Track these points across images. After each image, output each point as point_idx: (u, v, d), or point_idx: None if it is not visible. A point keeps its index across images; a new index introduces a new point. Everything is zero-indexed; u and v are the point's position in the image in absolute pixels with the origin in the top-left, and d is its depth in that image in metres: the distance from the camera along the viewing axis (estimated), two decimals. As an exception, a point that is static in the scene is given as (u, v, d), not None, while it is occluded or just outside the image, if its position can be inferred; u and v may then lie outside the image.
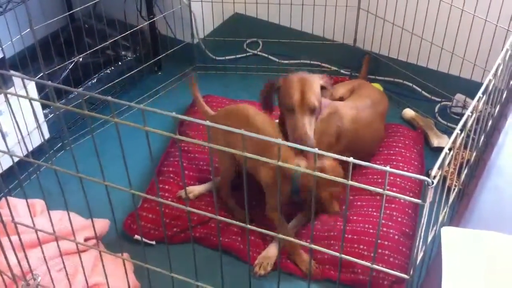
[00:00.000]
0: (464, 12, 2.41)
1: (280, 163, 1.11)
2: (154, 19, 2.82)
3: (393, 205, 2.14)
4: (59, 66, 2.48)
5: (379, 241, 2.00)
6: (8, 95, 1.30)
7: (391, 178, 2.24)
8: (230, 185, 2.15)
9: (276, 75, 2.97)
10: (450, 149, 1.19)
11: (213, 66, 3.04)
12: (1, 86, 1.24)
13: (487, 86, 1.43)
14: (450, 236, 1.17)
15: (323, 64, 3.02)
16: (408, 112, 2.69)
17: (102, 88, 2.65)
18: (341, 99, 2.45)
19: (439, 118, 2.68)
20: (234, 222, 1.28)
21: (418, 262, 1.25)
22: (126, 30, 2.67)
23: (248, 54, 3.16)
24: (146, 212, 2.15)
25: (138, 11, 2.87)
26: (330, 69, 3.00)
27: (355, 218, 2.11)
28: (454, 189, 1.58)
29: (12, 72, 1.92)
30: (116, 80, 2.72)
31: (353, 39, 2.89)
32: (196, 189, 2.24)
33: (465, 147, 1.58)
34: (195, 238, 2.08)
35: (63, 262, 1.57)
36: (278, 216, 1.90)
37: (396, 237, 2.02)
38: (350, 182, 1.09)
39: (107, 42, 2.60)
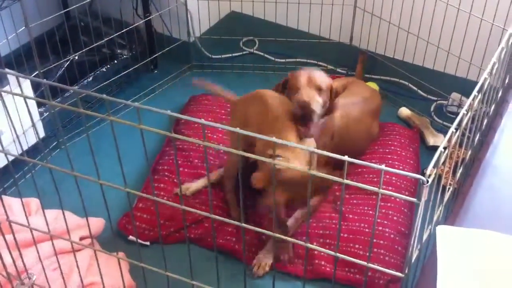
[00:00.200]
0: (460, 11, 2.41)
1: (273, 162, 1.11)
2: (150, 17, 2.82)
3: (389, 204, 2.14)
4: (54, 65, 2.47)
5: (375, 240, 2.00)
6: (3, 94, 1.30)
7: (387, 177, 2.25)
8: (234, 180, 2.15)
9: (272, 74, 3.00)
10: (445, 148, 1.19)
11: (209, 64, 3.04)
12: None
13: (482, 84, 1.43)
14: (445, 234, 1.17)
15: (320, 63, 3.02)
16: (404, 111, 2.69)
17: (98, 87, 2.65)
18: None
19: (435, 117, 2.68)
20: (229, 221, 1.27)
21: (413, 260, 1.25)
22: (122, 28, 2.67)
23: (244, 52, 3.16)
24: (140, 212, 2.14)
25: (134, 9, 2.86)
26: (327, 68, 3.00)
27: (350, 216, 2.12)
28: (449, 188, 1.58)
29: (7, 70, 1.92)
30: (112, 79, 2.71)
31: (350, 38, 2.90)
32: (192, 186, 2.24)
33: (460, 146, 1.58)
34: (190, 239, 2.08)
35: (58, 261, 1.57)
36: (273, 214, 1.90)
37: (392, 236, 2.02)
38: (346, 181, 1.09)
39: (103, 40, 2.59)
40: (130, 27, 2.70)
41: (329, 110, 2.08)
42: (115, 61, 2.78)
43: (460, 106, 2.62)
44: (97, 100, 2.66)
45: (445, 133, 2.54)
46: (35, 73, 2.30)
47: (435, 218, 1.38)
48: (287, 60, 3.06)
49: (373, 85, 2.79)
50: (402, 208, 2.14)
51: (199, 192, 2.24)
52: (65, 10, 2.61)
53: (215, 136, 2.50)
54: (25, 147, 2.14)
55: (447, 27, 2.49)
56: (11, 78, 2.14)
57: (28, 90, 2.26)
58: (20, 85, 1.24)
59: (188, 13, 2.89)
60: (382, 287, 1.90)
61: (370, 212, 2.12)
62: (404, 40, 2.67)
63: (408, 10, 2.59)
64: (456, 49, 2.50)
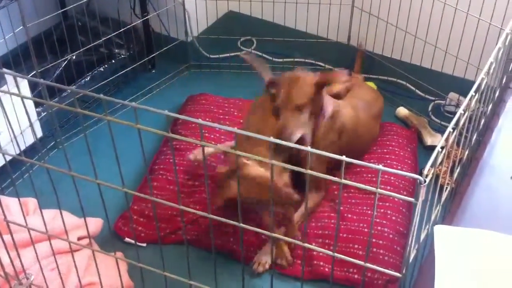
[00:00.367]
0: (457, 10, 2.42)
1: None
2: (148, 16, 2.82)
3: (387, 204, 2.14)
4: (52, 64, 2.47)
5: (373, 240, 2.00)
6: (0, 93, 1.29)
7: (385, 176, 2.25)
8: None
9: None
10: (442, 148, 1.19)
11: (207, 64, 3.03)
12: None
13: (480, 84, 1.43)
14: (442, 234, 1.17)
15: (317, 63, 3.02)
16: (402, 111, 2.70)
17: (96, 86, 2.64)
18: (337, 95, 2.46)
19: (432, 117, 2.68)
20: (227, 220, 1.27)
21: (411, 260, 1.25)
22: (119, 28, 2.66)
23: (242, 52, 3.15)
24: (135, 214, 2.14)
25: (131, 9, 2.86)
26: (324, 68, 3.00)
27: (349, 216, 2.12)
28: (446, 187, 1.59)
29: (4, 70, 1.91)
30: (110, 78, 2.71)
31: (347, 37, 2.90)
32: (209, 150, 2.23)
33: (458, 146, 1.58)
34: (188, 240, 2.07)
35: (56, 262, 1.57)
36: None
37: (391, 236, 2.02)
38: (343, 181, 1.09)
39: (101, 40, 2.59)
40: (128, 26, 2.69)
41: (335, 96, 2.11)
42: (113, 61, 2.77)
43: (457, 105, 2.62)
44: (94, 100, 2.66)
45: (443, 133, 2.54)
46: (32, 73, 2.30)
47: (432, 217, 1.38)
48: (285, 59, 3.06)
49: (371, 85, 2.79)
50: (401, 208, 2.14)
51: (194, 191, 2.24)
52: (63, 10, 2.60)
53: (212, 136, 2.50)
54: (22, 147, 2.14)
55: (445, 27, 2.49)
56: (9, 78, 2.14)
57: (25, 90, 2.25)
58: (17, 85, 1.24)
59: (186, 12, 2.89)
60: (380, 287, 1.90)
61: (369, 212, 2.12)
62: (402, 40, 2.67)
63: (406, 10, 2.59)
64: (454, 48, 2.50)
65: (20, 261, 1.53)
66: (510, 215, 1.44)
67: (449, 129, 1.25)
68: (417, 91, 2.82)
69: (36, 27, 2.29)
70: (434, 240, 1.16)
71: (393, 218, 2.09)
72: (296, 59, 3.05)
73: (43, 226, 1.43)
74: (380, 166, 1.04)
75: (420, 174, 1.07)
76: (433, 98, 2.76)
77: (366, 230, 2.04)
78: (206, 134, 2.49)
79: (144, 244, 2.08)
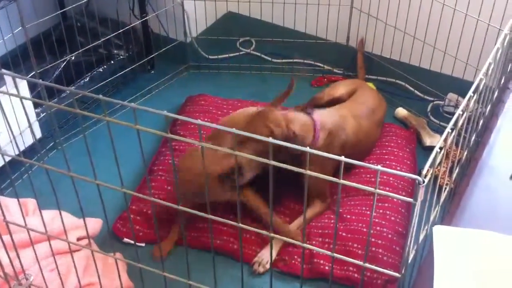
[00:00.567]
0: (456, 11, 2.42)
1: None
2: (147, 17, 2.82)
3: (386, 204, 2.14)
4: (51, 65, 2.47)
5: (373, 240, 2.00)
6: (0, 94, 1.30)
7: (384, 177, 2.25)
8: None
9: (269, 74, 3.00)
10: (441, 148, 1.20)
11: (206, 65, 3.04)
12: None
13: (478, 85, 1.43)
14: (441, 235, 1.18)
15: (316, 63, 3.02)
16: (401, 112, 2.70)
17: (95, 87, 2.64)
18: (339, 99, 2.46)
19: (431, 117, 2.69)
20: (226, 221, 1.28)
21: (410, 261, 1.25)
22: (118, 28, 2.66)
23: (241, 53, 3.16)
24: (133, 214, 2.14)
25: (130, 10, 2.86)
26: (323, 68, 3.00)
27: (348, 217, 2.12)
28: (445, 188, 1.59)
29: (3, 70, 1.91)
30: (109, 79, 2.71)
31: (346, 38, 2.90)
32: None
33: (457, 146, 1.58)
34: (185, 240, 2.07)
35: (56, 262, 1.57)
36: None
37: (390, 236, 2.03)
38: (342, 181, 1.10)
39: (100, 41, 2.59)
40: (127, 27, 2.69)
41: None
42: (112, 62, 2.77)
43: (456, 106, 2.62)
44: (93, 101, 2.66)
45: (441, 134, 2.54)
46: (31, 74, 2.30)
47: (431, 218, 1.38)
48: (284, 60, 3.06)
49: (371, 86, 2.79)
50: (400, 209, 2.14)
51: None
52: (62, 11, 2.60)
53: (212, 137, 2.50)
54: (21, 148, 2.14)
55: (444, 28, 2.49)
56: (8, 79, 2.14)
57: (24, 90, 2.25)
58: (16, 86, 1.24)
59: (185, 13, 2.89)
60: (380, 287, 1.91)
61: (368, 212, 2.12)
62: (401, 41, 2.67)
63: (405, 11, 2.60)
64: (453, 49, 2.50)
65: (20, 261, 1.53)
66: (509, 216, 1.45)
67: (448, 129, 1.26)
68: (416, 91, 2.82)
69: (35, 28, 2.29)
70: (433, 241, 1.16)
71: (392, 218, 2.09)
72: (295, 60, 3.05)
73: (42, 227, 1.43)
74: (379, 167, 1.05)
75: (419, 174, 1.08)
76: (432, 99, 2.76)
77: (365, 230, 2.05)
78: (205, 135, 2.49)
79: (143, 244, 2.08)
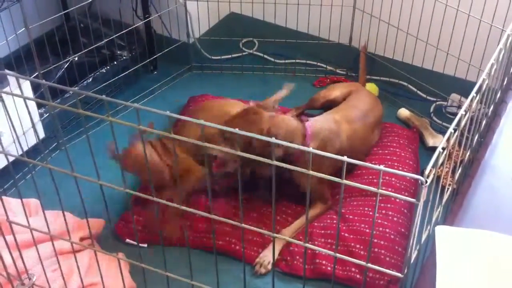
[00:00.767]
0: (459, 12, 2.42)
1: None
2: (150, 18, 2.82)
3: (389, 205, 2.14)
4: (54, 66, 2.48)
5: (375, 240, 2.00)
6: (3, 95, 1.30)
7: (386, 178, 2.25)
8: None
9: (272, 75, 3.00)
10: (444, 148, 1.20)
11: (209, 65, 3.04)
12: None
13: (481, 85, 1.43)
14: (444, 235, 1.17)
15: (319, 64, 3.02)
16: (403, 112, 2.70)
17: (98, 88, 2.65)
18: (334, 101, 2.46)
19: (434, 118, 2.68)
20: (228, 221, 1.28)
21: (412, 261, 1.25)
22: (121, 29, 2.67)
23: (244, 53, 3.16)
24: (136, 214, 2.14)
25: (133, 11, 2.86)
26: (326, 69, 3.00)
27: (351, 217, 2.12)
28: (448, 188, 1.59)
29: (6, 71, 1.92)
30: (112, 80, 2.71)
31: (349, 39, 2.90)
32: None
33: (460, 146, 1.58)
34: (185, 243, 2.07)
35: (58, 262, 1.57)
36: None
37: (392, 236, 2.03)
38: (345, 181, 1.10)
39: (103, 42, 2.59)
40: (130, 28, 2.70)
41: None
42: (115, 62, 2.78)
43: (459, 107, 2.62)
44: (96, 101, 2.66)
45: (444, 134, 2.54)
46: (34, 74, 2.30)
47: (434, 218, 1.38)
48: (286, 61, 3.06)
49: (373, 86, 2.79)
50: (402, 209, 2.14)
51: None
52: (65, 12, 2.61)
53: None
54: (25, 148, 2.14)
55: (446, 28, 2.49)
56: (11, 79, 2.15)
57: (28, 91, 2.26)
58: (20, 86, 1.24)
59: (188, 14, 2.89)
60: (382, 287, 1.91)
61: (370, 213, 2.12)
62: (403, 41, 2.67)
63: (407, 11, 2.60)
64: (455, 50, 2.50)
65: (23, 261, 1.53)
66: (511, 216, 1.44)
67: (451, 129, 1.26)
68: (418, 92, 2.82)
69: (38, 29, 2.30)
70: (436, 241, 1.16)
71: (395, 219, 2.09)
72: (297, 61, 3.05)
73: (45, 227, 1.44)
74: (382, 167, 1.05)
75: (422, 175, 1.08)
76: (434, 99, 2.76)
77: (367, 230, 2.05)
78: (208, 135, 2.49)
79: (145, 245, 2.08)
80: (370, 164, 1.09)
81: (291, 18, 2.93)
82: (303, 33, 2.98)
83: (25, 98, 1.23)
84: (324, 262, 1.98)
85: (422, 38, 2.60)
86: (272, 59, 3.10)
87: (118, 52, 2.80)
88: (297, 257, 2.01)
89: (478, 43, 2.41)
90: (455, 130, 1.28)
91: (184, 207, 1.26)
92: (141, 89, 2.86)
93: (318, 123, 2.15)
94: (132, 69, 2.78)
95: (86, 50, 2.54)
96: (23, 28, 2.12)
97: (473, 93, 1.40)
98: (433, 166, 1.14)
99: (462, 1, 2.41)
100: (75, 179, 1.29)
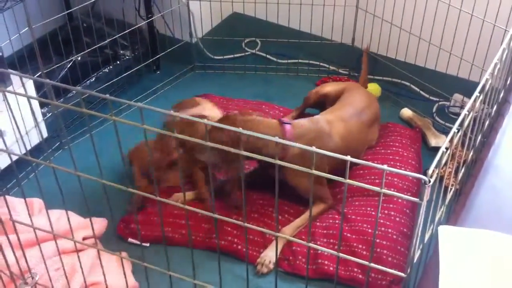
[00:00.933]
0: (461, 11, 2.41)
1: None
2: (153, 18, 2.82)
3: (391, 205, 2.14)
4: (57, 65, 2.48)
5: (377, 240, 2.00)
6: (7, 94, 1.30)
7: (389, 178, 2.25)
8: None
9: (274, 75, 3.00)
10: (447, 148, 1.20)
11: (211, 65, 3.04)
12: (-1, 84, 1.25)
13: (484, 85, 1.43)
14: (447, 235, 1.18)
15: (322, 64, 3.02)
16: (406, 112, 2.69)
17: (101, 87, 2.65)
18: (326, 95, 2.46)
19: (437, 118, 2.68)
20: (232, 220, 1.28)
21: (415, 261, 1.25)
22: (124, 29, 2.67)
23: (246, 53, 3.16)
24: (139, 214, 2.14)
25: (136, 10, 2.87)
26: (328, 69, 3.00)
27: (353, 217, 2.12)
28: (451, 188, 1.59)
29: (10, 70, 1.92)
30: (115, 79, 2.71)
31: (352, 39, 2.90)
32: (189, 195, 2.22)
33: (462, 147, 1.58)
34: (187, 243, 2.07)
35: (61, 261, 1.58)
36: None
37: (395, 236, 2.02)
38: (348, 181, 1.10)
39: (106, 41, 2.60)
40: (133, 28, 2.70)
41: None
42: (118, 62, 2.78)
43: (462, 107, 2.62)
44: (99, 101, 2.67)
45: (447, 134, 2.54)
46: (38, 74, 2.31)
47: (437, 218, 1.38)
48: (289, 61, 3.06)
49: (375, 86, 2.79)
50: (404, 209, 2.14)
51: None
52: (68, 11, 2.61)
53: (217, 137, 2.50)
54: (28, 147, 2.14)
55: (449, 28, 2.49)
56: (15, 79, 2.15)
57: (31, 90, 2.26)
58: (24, 86, 1.25)
59: (190, 14, 2.89)
60: (384, 287, 1.91)
61: (373, 213, 2.12)
62: (406, 41, 2.67)
63: (410, 11, 2.60)
64: (458, 50, 2.50)
65: (26, 260, 1.54)
66: (514, 216, 1.44)
67: (454, 129, 1.25)
68: (421, 92, 2.82)
69: (42, 28, 2.30)
70: (439, 241, 1.16)
71: (397, 219, 2.09)
72: (300, 61, 3.06)
73: (48, 226, 1.44)
74: (385, 167, 1.05)
75: (425, 174, 1.07)
76: (437, 99, 2.76)
77: (369, 230, 2.05)
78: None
79: (147, 244, 2.08)
80: (373, 164, 1.09)
81: (293, 18, 2.93)
82: (306, 33, 2.98)
83: (28, 97, 1.23)
84: (326, 262, 1.98)
85: (425, 38, 2.60)
86: (275, 59, 3.10)
87: (121, 51, 2.81)
88: (300, 257, 2.01)
89: (481, 43, 2.41)
90: (458, 130, 1.27)
91: (188, 207, 1.26)
92: (144, 88, 2.86)
93: (302, 127, 2.11)
94: (135, 68, 2.78)
95: (89, 50, 2.54)
96: (26, 28, 2.12)
97: (476, 93, 1.39)
98: (436, 166, 1.14)
99: (465, 1, 2.41)
100: (78, 178, 1.29)
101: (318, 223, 2.12)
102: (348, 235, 2.05)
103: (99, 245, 1.96)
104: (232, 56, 3.11)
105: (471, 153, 1.73)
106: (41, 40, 2.44)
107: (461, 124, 1.30)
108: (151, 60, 2.90)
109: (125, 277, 1.47)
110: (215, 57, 3.08)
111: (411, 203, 2.17)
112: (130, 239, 2.08)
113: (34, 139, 2.28)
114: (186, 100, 2.56)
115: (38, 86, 2.38)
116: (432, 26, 2.54)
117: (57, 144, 2.48)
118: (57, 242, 1.51)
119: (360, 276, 1.94)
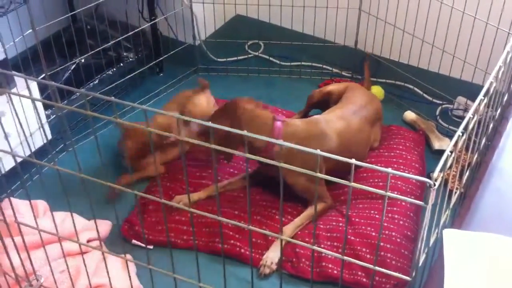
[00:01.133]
0: (465, 14, 2.41)
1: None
2: (156, 20, 2.83)
3: (395, 208, 2.14)
4: (61, 67, 2.48)
5: (381, 244, 2.00)
6: (11, 96, 1.30)
7: (392, 181, 2.24)
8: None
9: (277, 77, 3.00)
10: (451, 152, 1.20)
11: (215, 67, 3.05)
12: (4, 86, 1.25)
13: (488, 88, 1.43)
14: (452, 238, 1.17)
15: (324, 66, 3.02)
16: (409, 115, 2.69)
17: (104, 90, 2.66)
18: (329, 93, 2.47)
19: (440, 121, 2.68)
20: (236, 223, 1.28)
21: (420, 264, 1.25)
22: (128, 31, 2.67)
23: (249, 56, 3.16)
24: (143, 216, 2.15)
25: (139, 12, 2.87)
26: (331, 71, 3.00)
27: (357, 220, 2.12)
28: (456, 191, 1.59)
29: (14, 72, 1.93)
30: (118, 82, 2.72)
31: (354, 41, 2.90)
32: (194, 196, 2.23)
33: (467, 150, 1.58)
34: (191, 246, 2.07)
35: (66, 263, 1.58)
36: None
37: (398, 240, 2.02)
38: (353, 184, 1.10)
39: (109, 43, 2.60)
40: (136, 30, 2.71)
41: None
42: (121, 64, 2.79)
43: (465, 110, 2.62)
44: (102, 103, 2.67)
45: (450, 137, 2.54)
46: (41, 76, 2.31)
47: (441, 221, 1.38)
48: (292, 63, 3.06)
49: (378, 89, 2.79)
50: (408, 212, 2.14)
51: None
52: (71, 13, 2.62)
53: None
54: (32, 149, 2.14)
55: (452, 31, 2.49)
56: (19, 81, 2.15)
57: (35, 92, 2.26)
58: (29, 88, 1.25)
59: (194, 16, 2.90)
60: (387, 290, 1.91)
61: (377, 216, 2.12)
62: (409, 44, 2.67)
63: (413, 14, 2.60)
64: (461, 52, 2.50)
65: (31, 262, 1.54)
66: (519, 219, 1.44)
67: (458, 132, 1.25)
68: (424, 95, 2.82)
69: (45, 30, 2.30)
70: (443, 244, 1.16)
71: (401, 222, 2.09)
72: (303, 63, 3.06)
73: (53, 228, 1.44)
74: (390, 170, 1.05)
75: (429, 178, 1.07)
76: (440, 102, 2.76)
77: (373, 233, 2.04)
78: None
79: (151, 247, 2.08)
80: (377, 167, 1.09)
81: (296, 21, 2.94)
82: (309, 35, 2.98)
83: (33, 99, 1.24)
84: (330, 265, 1.97)
85: (428, 41, 2.60)
86: (278, 62, 3.10)
87: (125, 54, 2.81)
88: (303, 259, 2.01)
89: (485, 46, 2.41)
90: (462, 133, 1.27)
91: (193, 210, 1.26)
92: (147, 91, 2.87)
93: (293, 124, 2.11)
94: (138, 71, 2.78)
95: (92, 52, 2.54)
96: (30, 30, 2.13)
97: (480, 96, 1.39)
98: (441, 170, 1.14)
99: (468, 3, 2.41)
100: (82, 180, 1.29)
101: (321, 226, 2.11)
102: (352, 238, 2.05)
103: (103, 247, 1.96)
104: (235, 58, 3.11)
105: (476, 156, 1.73)
106: (45, 42, 2.45)
107: (465, 128, 1.30)
108: (154, 62, 2.91)
109: (130, 279, 1.47)
110: (218, 60, 3.09)
111: (414, 206, 2.17)
112: (134, 241, 2.08)
113: (38, 141, 2.28)
114: (179, 95, 2.57)
115: (42, 88, 2.39)
116: (435, 29, 2.54)
117: (61, 146, 2.48)
118: (62, 244, 1.51)
119: (364, 279, 1.93)
